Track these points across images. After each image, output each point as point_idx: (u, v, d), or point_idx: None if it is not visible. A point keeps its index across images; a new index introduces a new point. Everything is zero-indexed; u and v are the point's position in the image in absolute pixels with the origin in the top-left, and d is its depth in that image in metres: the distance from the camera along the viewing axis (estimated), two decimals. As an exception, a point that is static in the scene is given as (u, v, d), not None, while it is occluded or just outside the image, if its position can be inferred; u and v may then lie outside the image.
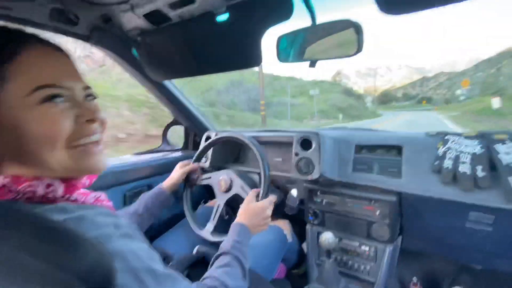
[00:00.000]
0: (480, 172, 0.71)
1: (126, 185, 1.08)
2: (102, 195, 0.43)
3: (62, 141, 0.34)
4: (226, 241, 0.61)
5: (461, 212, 0.75)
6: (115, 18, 0.75)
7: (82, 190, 0.40)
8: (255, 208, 0.73)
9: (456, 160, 0.75)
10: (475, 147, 0.75)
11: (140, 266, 0.32)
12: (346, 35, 0.53)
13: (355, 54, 0.53)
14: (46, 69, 0.34)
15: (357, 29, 0.52)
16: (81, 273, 0.24)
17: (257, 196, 0.81)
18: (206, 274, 0.51)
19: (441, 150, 0.79)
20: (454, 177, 0.74)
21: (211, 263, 0.57)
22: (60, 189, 0.35)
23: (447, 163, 0.76)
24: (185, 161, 1.02)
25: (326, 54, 0.59)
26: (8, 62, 0.31)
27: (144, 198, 0.83)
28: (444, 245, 0.86)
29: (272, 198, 0.79)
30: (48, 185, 0.34)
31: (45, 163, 0.34)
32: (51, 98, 0.33)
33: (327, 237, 0.78)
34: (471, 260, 0.86)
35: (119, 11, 0.71)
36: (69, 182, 0.37)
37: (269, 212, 0.75)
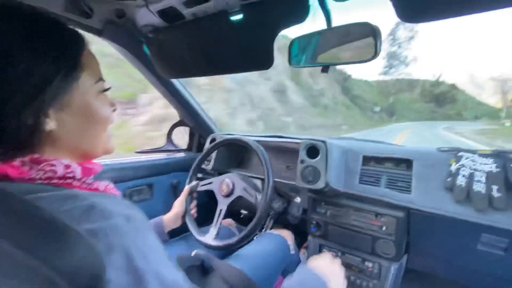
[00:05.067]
0: (495, 192, 0.67)
1: (126, 182, 1.07)
2: (111, 184, 0.41)
3: (107, 125, 0.42)
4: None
5: (473, 233, 0.71)
6: (129, 13, 0.76)
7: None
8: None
9: (471, 178, 0.72)
10: (491, 166, 0.72)
11: (146, 267, 0.29)
12: (363, 39, 0.52)
13: (371, 59, 0.52)
14: (98, 65, 0.40)
15: (375, 32, 0.50)
16: (66, 272, 0.22)
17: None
18: None
19: (454, 167, 0.76)
20: (468, 196, 0.71)
21: None
22: (78, 171, 0.36)
23: (461, 181, 0.72)
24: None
25: (340, 58, 0.57)
26: (81, 53, 0.37)
27: None
28: (452, 267, 0.82)
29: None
30: (67, 166, 0.34)
31: (95, 142, 0.40)
32: (104, 90, 0.41)
33: None
34: (480, 285, 0.82)
35: (133, 6, 0.71)
36: (85, 166, 0.38)
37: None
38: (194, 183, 0.97)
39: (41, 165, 0.33)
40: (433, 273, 0.87)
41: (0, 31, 0.30)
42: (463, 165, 0.75)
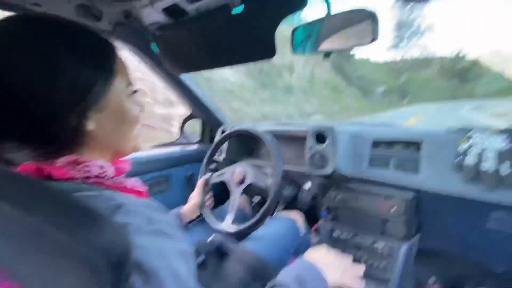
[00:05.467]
0: (505, 170, 0.67)
1: (146, 175, 1.13)
2: (138, 181, 0.44)
3: (136, 124, 0.45)
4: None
5: (482, 211, 0.71)
6: (136, 13, 0.78)
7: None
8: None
9: (480, 156, 0.71)
10: (501, 144, 0.71)
11: (162, 265, 0.31)
12: (361, 24, 0.53)
13: (370, 43, 0.52)
14: (127, 71, 0.43)
15: (372, 17, 0.51)
16: (100, 248, 0.25)
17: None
18: None
19: (463, 146, 0.76)
20: (477, 175, 0.71)
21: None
22: (110, 171, 0.39)
23: (470, 160, 0.72)
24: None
25: (341, 44, 0.58)
26: (115, 60, 0.40)
27: None
28: (464, 246, 0.82)
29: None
30: (101, 167, 0.38)
31: (126, 141, 0.44)
32: (133, 92, 0.44)
33: None
34: (492, 262, 0.82)
35: (139, 6, 0.74)
36: (117, 166, 0.41)
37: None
38: (207, 175, 1.01)
39: (80, 165, 0.36)
40: (445, 252, 0.88)
41: (46, 46, 0.33)
42: (473, 144, 0.74)
